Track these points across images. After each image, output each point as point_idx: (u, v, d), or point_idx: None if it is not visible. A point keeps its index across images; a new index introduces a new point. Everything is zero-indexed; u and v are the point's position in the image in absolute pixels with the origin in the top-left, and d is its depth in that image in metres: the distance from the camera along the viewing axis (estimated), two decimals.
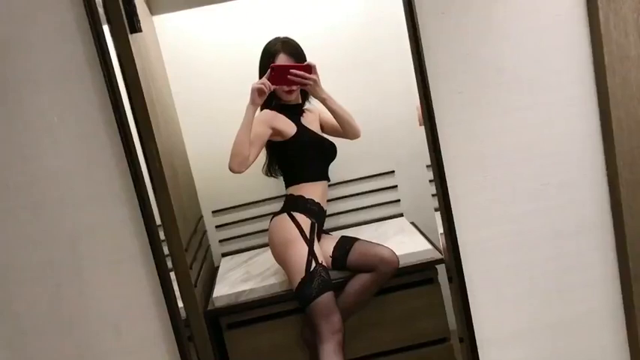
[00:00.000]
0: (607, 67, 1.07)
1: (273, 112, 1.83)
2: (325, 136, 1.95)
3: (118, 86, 1.20)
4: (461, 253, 1.24)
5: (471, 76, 1.14)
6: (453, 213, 1.21)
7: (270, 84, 1.72)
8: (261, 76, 1.82)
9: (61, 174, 1.15)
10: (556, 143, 1.17)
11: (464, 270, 1.25)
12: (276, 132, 1.81)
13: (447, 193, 1.21)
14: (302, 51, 1.84)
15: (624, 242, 1.16)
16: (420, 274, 1.86)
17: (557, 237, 1.20)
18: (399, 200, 2.17)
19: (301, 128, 1.86)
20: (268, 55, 1.83)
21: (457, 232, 1.22)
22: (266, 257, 1.99)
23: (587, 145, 1.17)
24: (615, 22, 1.04)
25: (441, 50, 1.14)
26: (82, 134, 1.14)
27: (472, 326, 1.29)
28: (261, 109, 1.85)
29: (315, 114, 1.96)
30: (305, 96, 1.93)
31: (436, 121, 1.17)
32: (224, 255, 2.16)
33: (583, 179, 1.19)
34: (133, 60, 1.25)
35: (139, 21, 1.38)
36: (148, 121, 1.30)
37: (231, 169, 1.75)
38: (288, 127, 1.83)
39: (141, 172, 1.25)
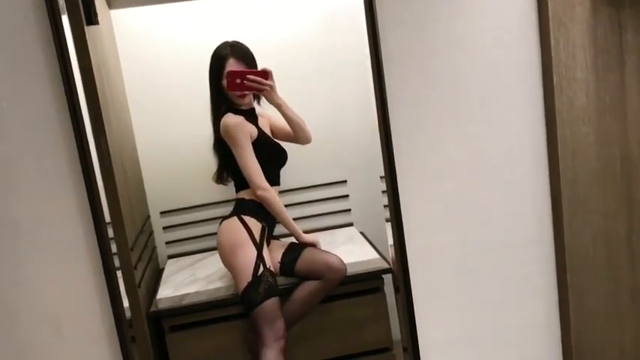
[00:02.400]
0: (555, 87, 1.13)
1: (241, 118, 1.82)
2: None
3: (73, 77, 1.17)
4: (408, 262, 1.26)
5: (426, 88, 1.18)
6: (403, 221, 1.23)
7: None
8: (211, 80, 1.81)
9: (7, 160, 1.10)
10: (504, 157, 1.21)
11: (410, 279, 1.27)
12: None
13: (399, 202, 1.23)
14: (252, 55, 1.84)
15: (563, 256, 1.21)
16: (366, 283, 1.87)
17: (501, 248, 1.25)
18: (349, 210, 2.19)
19: (260, 132, 1.86)
20: (217, 59, 1.82)
21: (406, 241, 1.24)
22: (213, 261, 1.96)
23: (533, 161, 1.22)
24: (564, 45, 1.11)
25: (399, 61, 1.17)
26: (32, 122, 1.10)
27: (416, 335, 1.31)
28: (221, 114, 1.82)
29: (266, 118, 1.96)
30: (257, 100, 1.93)
31: (391, 131, 1.20)
32: (170, 257, 2.11)
33: (528, 194, 1.24)
34: (88, 52, 1.22)
35: (96, 14, 1.36)
36: (100, 115, 1.27)
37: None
38: (253, 131, 1.83)
39: (92, 165, 1.22)
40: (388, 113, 1.19)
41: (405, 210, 1.23)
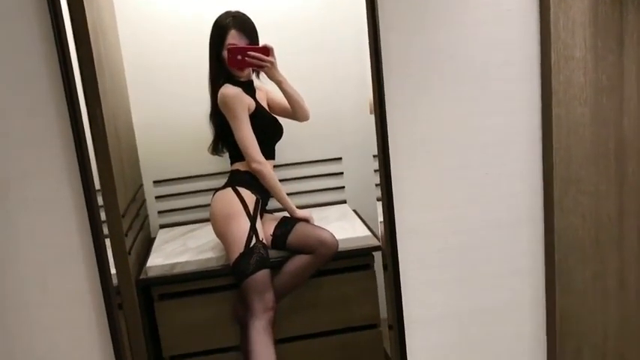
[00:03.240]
0: (553, 66, 1.12)
1: (239, 89, 1.80)
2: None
3: (65, 32, 1.15)
4: (397, 237, 1.26)
5: (424, 61, 1.17)
6: (394, 194, 1.23)
7: None
8: (211, 51, 1.80)
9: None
10: (499, 134, 1.21)
11: (399, 257, 1.27)
12: None
13: (390, 174, 1.23)
14: (254, 26, 1.82)
15: (552, 235, 1.22)
16: (357, 259, 1.88)
17: (490, 226, 1.25)
18: (343, 187, 2.19)
19: (258, 105, 1.85)
20: (218, 29, 1.80)
21: (396, 219, 1.24)
22: (205, 232, 1.96)
23: (527, 139, 1.22)
24: (564, 22, 1.10)
25: (398, 33, 1.15)
26: (23, 77, 1.09)
27: (402, 312, 1.32)
28: (219, 84, 1.81)
29: (263, 92, 1.95)
30: (257, 73, 1.92)
31: (386, 104, 1.19)
32: (162, 227, 2.11)
33: (520, 172, 1.24)
34: (83, 8, 1.20)
35: None
36: (94, 76, 1.25)
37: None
38: (251, 104, 1.82)
39: (82, 126, 1.20)
40: (384, 90, 1.18)
41: (396, 182, 1.23)
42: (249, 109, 1.80)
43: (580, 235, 1.22)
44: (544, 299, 1.29)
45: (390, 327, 1.46)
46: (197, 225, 2.06)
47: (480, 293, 1.28)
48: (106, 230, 1.31)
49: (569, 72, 1.14)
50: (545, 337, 1.31)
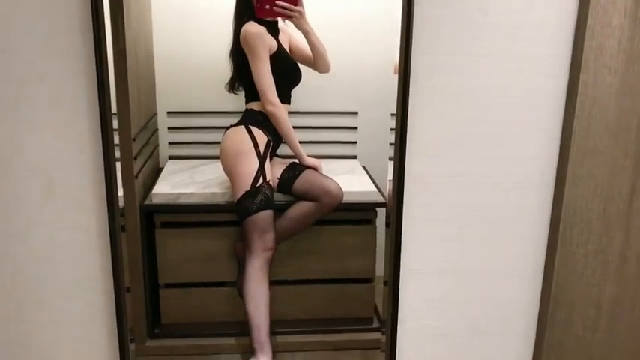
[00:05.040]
0: (587, 30, 1.09)
1: (263, 28, 1.78)
2: None
3: None
4: (405, 189, 1.25)
5: (454, 19, 1.13)
6: (407, 147, 1.21)
7: None
8: None
9: (17, 18, 1.08)
10: (521, 96, 1.19)
11: (403, 214, 1.26)
12: None
13: (406, 126, 1.21)
14: None
15: (560, 204, 1.21)
16: (360, 213, 1.90)
17: (500, 187, 1.24)
18: (355, 142, 2.18)
19: (280, 47, 1.83)
20: None
21: (406, 167, 1.23)
22: (213, 168, 1.97)
23: (549, 104, 1.20)
24: None
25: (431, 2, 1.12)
26: None
27: (399, 263, 1.32)
28: (243, 21, 1.79)
29: (286, 35, 1.93)
30: None
31: (412, 57, 1.17)
32: (171, 158, 2.12)
33: (538, 137, 1.22)
34: None
35: None
36: None
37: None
38: (272, 45, 1.80)
39: (105, 41, 1.19)
40: (411, 51, 1.16)
41: (410, 142, 1.22)
42: (270, 50, 1.78)
43: (588, 208, 1.21)
44: (543, 266, 1.29)
45: (385, 283, 1.46)
46: (206, 161, 2.07)
47: (479, 253, 1.28)
48: (117, 153, 1.31)
49: (603, 39, 1.11)
50: (539, 304, 1.31)
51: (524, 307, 1.32)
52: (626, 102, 1.16)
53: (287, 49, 1.90)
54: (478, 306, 1.32)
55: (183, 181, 1.89)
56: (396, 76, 1.26)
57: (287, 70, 1.87)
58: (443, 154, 1.23)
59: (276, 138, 1.84)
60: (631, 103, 1.16)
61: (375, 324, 1.94)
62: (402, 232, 1.27)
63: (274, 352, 1.70)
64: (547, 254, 1.28)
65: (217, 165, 1.87)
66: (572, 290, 1.27)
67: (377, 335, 1.86)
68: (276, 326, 1.76)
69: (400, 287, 1.32)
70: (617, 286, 1.28)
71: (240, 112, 1.89)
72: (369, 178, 2.01)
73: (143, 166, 1.82)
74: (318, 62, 1.90)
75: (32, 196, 1.18)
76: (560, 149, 1.21)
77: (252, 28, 1.76)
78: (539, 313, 1.32)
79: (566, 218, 1.22)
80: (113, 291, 1.25)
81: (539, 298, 1.31)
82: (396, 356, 1.36)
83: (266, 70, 1.77)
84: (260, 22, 1.79)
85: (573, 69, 1.16)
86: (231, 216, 1.80)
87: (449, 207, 1.26)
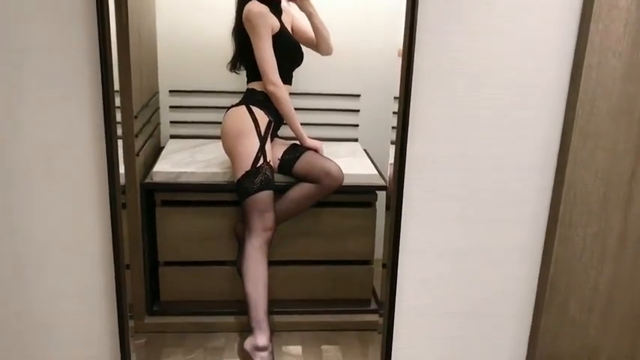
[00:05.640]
0: (594, 12, 1.09)
1: (266, 8, 1.77)
2: None
3: None
4: (406, 170, 1.25)
5: (457, 9, 1.13)
6: (409, 128, 1.21)
7: None
8: None
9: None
10: (525, 77, 1.18)
11: (404, 197, 1.26)
12: None
13: (409, 106, 1.21)
14: None
15: (561, 187, 1.21)
16: (360, 196, 1.90)
17: (501, 168, 1.24)
18: (357, 125, 2.18)
19: (282, 27, 1.82)
20: None
21: (407, 148, 1.23)
22: (214, 148, 1.96)
23: (553, 86, 1.19)
24: None
25: None
26: None
27: (398, 250, 1.32)
28: (246, 0, 1.77)
29: (289, 16, 1.92)
30: None
31: (416, 31, 1.16)
32: (172, 137, 2.12)
33: (540, 118, 1.21)
34: None
35: None
36: None
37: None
38: (275, 24, 1.79)
39: (108, 15, 1.18)
40: (416, 31, 1.15)
41: (412, 123, 1.21)
42: (272, 30, 1.77)
43: (588, 191, 1.21)
44: (542, 248, 1.29)
45: (384, 265, 1.47)
46: (207, 140, 2.06)
47: (479, 234, 1.28)
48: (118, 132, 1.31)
49: (609, 21, 1.10)
50: (537, 285, 1.32)
51: (521, 288, 1.33)
52: (630, 86, 1.16)
53: (290, 30, 1.89)
54: (476, 288, 1.33)
55: (184, 160, 1.89)
56: (400, 59, 1.26)
57: (289, 51, 1.86)
58: (444, 136, 1.23)
59: (277, 118, 1.84)
60: (635, 87, 1.15)
61: (373, 306, 1.95)
62: (402, 213, 1.28)
63: (272, 331, 1.71)
64: (546, 236, 1.28)
65: (218, 145, 1.87)
66: (570, 273, 1.28)
67: (374, 317, 1.88)
68: (275, 306, 1.77)
69: (398, 269, 1.32)
70: (614, 269, 1.29)
71: (242, 92, 1.88)
72: (370, 161, 2.01)
73: (144, 145, 1.82)
74: (320, 45, 1.90)
75: (32, 170, 1.17)
76: (563, 131, 1.21)
77: (255, 7, 1.75)
78: (537, 294, 1.33)
79: (567, 201, 1.22)
80: (113, 268, 1.25)
81: (537, 280, 1.32)
82: (393, 338, 1.37)
83: (268, 49, 1.76)
84: (263, 1, 1.78)
85: (578, 51, 1.16)
86: (231, 196, 1.80)
87: (449, 189, 1.26)
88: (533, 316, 1.34)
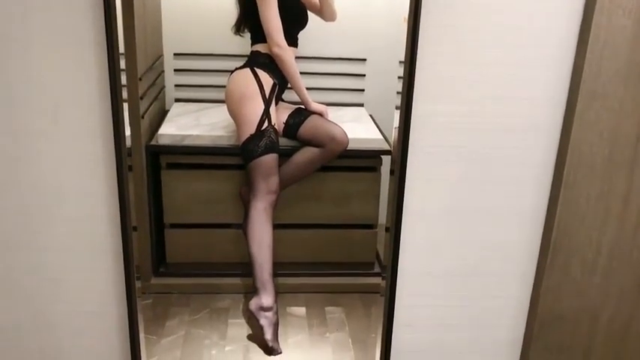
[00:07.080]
0: None
1: None
2: None
3: None
4: (411, 129, 1.24)
5: None
6: (415, 87, 1.20)
7: None
8: None
9: None
10: (533, 37, 1.16)
11: (409, 147, 1.25)
12: None
13: (415, 63, 1.19)
14: None
15: (566, 148, 1.20)
16: (364, 160, 1.90)
17: (505, 128, 1.23)
18: (363, 90, 2.16)
19: None
20: None
21: (412, 106, 1.22)
22: (218, 111, 1.96)
23: (560, 45, 1.17)
24: None
25: None
26: None
27: (401, 215, 1.32)
28: None
29: None
30: None
31: (421, 15, 1.14)
32: (177, 101, 2.11)
33: (547, 78, 1.20)
34: None
35: None
36: None
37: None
38: None
39: None
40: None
41: (418, 82, 1.20)
42: None
43: (593, 152, 1.21)
44: (545, 209, 1.29)
45: (387, 229, 1.48)
46: (211, 104, 2.06)
47: (482, 195, 1.28)
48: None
49: None
50: (539, 247, 1.32)
51: (524, 249, 1.33)
52: (638, 46, 1.14)
53: None
54: (478, 249, 1.34)
55: (189, 123, 1.90)
56: (406, 24, 1.24)
57: (294, 12, 1.84)
58: (449, 96, 1.22)
59: (282, 81, 1.83)
60: None
61: (376, 269, 1.97)
62: (406, 174, 1.28)
63: (276, 293, 1.73)
64: (550, 197, 1.28)
65: (223, 108, 1.87)
66: (572, 234, 1.28)
67: (377, 280, 1.90)
68: (279, 268, 1.79)
69: (402, 232, 1.33)
70: (617, 231, 1.29)
71: (246, 55, 1.87)
72: (375, 125, 2.00)
73: (149, 107, 1.82)
74: (324, 10, 1.89)
75: (37, 125, 1.17)
76: (569, 91, 1.20)
77: None
78: (539, 256, 1.33)
79: (571, 162, 1.21)
80: (120, 230, 1.26)
81: (540, 241, 1.32)
82: (395, 301, 1.39)
83: (273, 11, 1.74)
84: None
85: (587, 9, 1.14)
86: (236, 159, 1.81)
87: (453, 149, 1.25)
88: (535, 277, 1.35)
